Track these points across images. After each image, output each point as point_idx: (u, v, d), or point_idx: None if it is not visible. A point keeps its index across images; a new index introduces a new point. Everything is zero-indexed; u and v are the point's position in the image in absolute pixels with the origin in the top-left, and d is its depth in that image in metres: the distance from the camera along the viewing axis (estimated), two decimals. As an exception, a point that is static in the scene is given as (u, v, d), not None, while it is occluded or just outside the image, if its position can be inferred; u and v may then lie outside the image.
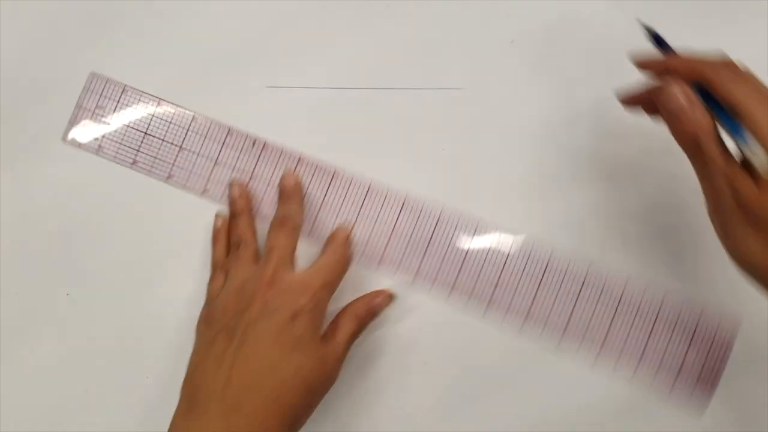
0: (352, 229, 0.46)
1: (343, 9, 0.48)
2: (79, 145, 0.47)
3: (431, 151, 0.47)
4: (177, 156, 0.48)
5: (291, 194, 0.46)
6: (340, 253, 0.44)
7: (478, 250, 0.46)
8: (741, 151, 0.34)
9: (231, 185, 0.47)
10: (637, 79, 0.39)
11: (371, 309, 0.45)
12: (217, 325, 0.40)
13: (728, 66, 0.36)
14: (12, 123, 0.48)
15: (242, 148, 0.48)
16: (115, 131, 0.48)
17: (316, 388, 0.40)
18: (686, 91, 0.35)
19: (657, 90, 0.37)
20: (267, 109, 0.48)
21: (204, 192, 0.47)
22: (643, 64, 0.39)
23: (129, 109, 0.48)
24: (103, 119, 0.48)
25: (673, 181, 0.46)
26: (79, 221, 0.47)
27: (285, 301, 0.39)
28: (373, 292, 0.46)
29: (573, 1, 0.47)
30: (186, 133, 0.48)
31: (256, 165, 0.47)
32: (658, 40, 0.40)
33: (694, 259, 0.46)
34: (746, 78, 0.35)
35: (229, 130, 0.47)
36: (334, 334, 0.43)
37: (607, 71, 0.46)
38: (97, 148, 0.48)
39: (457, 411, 0.45)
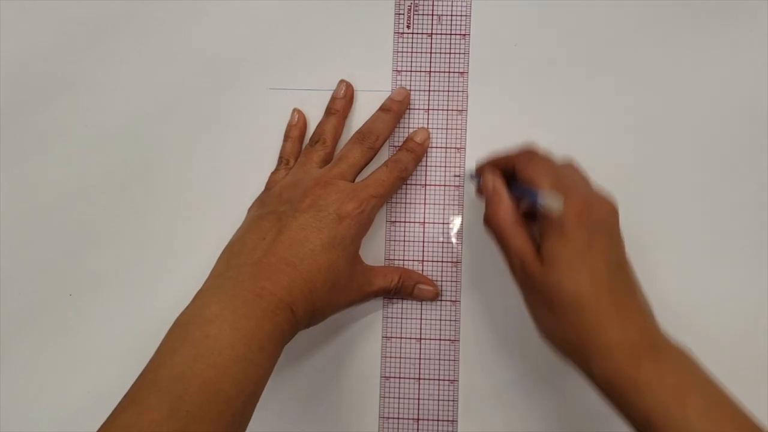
0: (425, 140, 0.47)
1: (346, 11, 0.48)
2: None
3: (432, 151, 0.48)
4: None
5: (390, 107, 0.46)
6: (397, 171, 0.44)
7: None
8: (540, 209, 0.37)
9: (340, 83, 0.47)
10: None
11: (417, 288, 0.46)
12: (268, 208, 0.42)
13: (527, 153, 0.40)
14: (14, 123, 0.48)
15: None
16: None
17: (340, 291, 0.42)
18: (494, 182, 0.40)
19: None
20: (270, 110, 0.47)
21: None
22: (479, 169, 0.43)
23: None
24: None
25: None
26: (82, 222, 0.48)
27: (334, 202, 0.41)
28: (428, 278, 0.46)
29: (575, 1, 0.47)
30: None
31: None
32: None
33: None
34: (539, 160, 0.39)
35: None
36: (374, 272, 0.45)
37: (610, 70, 0.47)
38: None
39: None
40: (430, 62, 0.48)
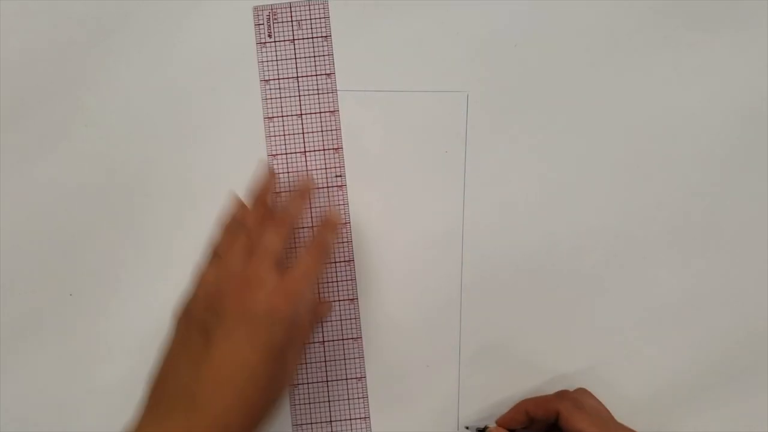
0: (337, 223, 0.45)
1: (346, 10, 0.48)
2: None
3: (433, 153, 0.48)
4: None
5: (299, 191, 0.45)
6: (322, 250, 0.42)
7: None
8: None
9: (261, 164, 0.46)
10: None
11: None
12: (193, 321, 0.39)
13: (572, 399, 0.41)
14: (14, 123, 0.47)
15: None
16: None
17: (285, 391, 0.40)
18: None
19: None
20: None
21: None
22: (503, 423, 0.43)
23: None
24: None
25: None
26: (82, 222, 0.47)
27: (261, 302, 0.38)
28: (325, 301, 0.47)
29: (576, 2, 0.47)
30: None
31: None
32: None
33: None
34: (587, 410, 0.40)
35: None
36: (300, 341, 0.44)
37: (611, 71, 0.47)
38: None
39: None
40: (296, 67, 0.48)
